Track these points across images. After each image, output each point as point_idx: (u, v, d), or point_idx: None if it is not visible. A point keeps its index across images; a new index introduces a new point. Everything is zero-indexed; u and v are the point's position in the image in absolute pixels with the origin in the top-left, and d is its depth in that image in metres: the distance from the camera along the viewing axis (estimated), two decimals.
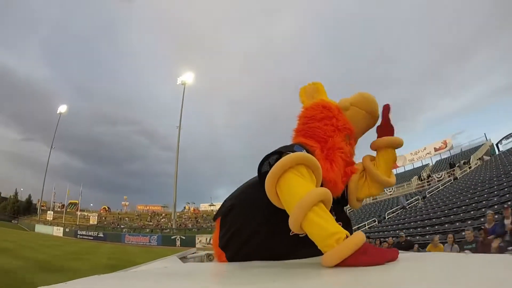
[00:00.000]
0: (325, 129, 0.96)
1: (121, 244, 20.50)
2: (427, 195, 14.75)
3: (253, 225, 0.89)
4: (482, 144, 19.93)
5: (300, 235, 0.73)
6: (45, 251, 9.59)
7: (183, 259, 1.15)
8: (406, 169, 26.31)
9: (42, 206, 45.86)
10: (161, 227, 33.83)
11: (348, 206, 1.11)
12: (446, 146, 23.82)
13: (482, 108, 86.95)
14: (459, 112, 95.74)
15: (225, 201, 1.03)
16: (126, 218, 41.27)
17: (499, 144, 17.07)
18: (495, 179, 9.85)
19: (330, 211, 0.76)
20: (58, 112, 41.58)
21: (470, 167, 16.29)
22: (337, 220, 0.81)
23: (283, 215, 0.73)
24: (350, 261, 0.60)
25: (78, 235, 26.90)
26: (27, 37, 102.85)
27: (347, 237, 0.64)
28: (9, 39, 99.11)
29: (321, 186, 0.83)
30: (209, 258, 1.37)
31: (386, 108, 1.06)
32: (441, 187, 15.18)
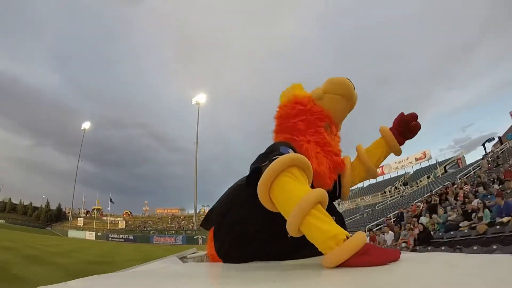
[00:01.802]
0: (301, 125, 0.99)
1: (152, 245, 26.09)
2: (377, 208, 19.97)
3: (251, 231, 0.89)
4: (452, 157, 25.74)
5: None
6: (130, 252, 15.40)
7: (183, 259, 1.19)
8: (391, 176, 32.46)
9: (68, 212, 52.40)
10: (183, 228, 40.10)
11: (339, 199, 1.13)
12: (425, 157, 29.68)
13: (491, 100, 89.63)
14: (467, 105, 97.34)
15: (212, 209, 1.07)
16: (150, 221, 47.73)
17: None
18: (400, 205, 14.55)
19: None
20: (82, 128, 47.30)
21: (418, 186, 21.20)
22: (331, 215, 0.91)
23: (279, 216, 0.73)
24: (351, 262, 0.61)
25: (110, 238, 32.79)
26: (35, 44, 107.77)
27: (347, 238, 0.64)
28: (17, 47, 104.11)
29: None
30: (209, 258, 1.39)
31: (414, 116, 1.15)
32: (389, 202, 20.40)
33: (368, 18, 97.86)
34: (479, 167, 12.42)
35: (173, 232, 36.03)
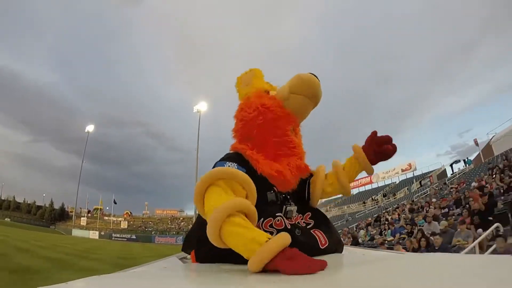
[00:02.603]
0: (265, 132, 1.00)
1: (155, 244, 28.98)
2: (356, 216, 23.11)
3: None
4: (433, 170, 28.52)
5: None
6: (143, 250, 18.77)
7: (183, 259, 1.23)
8: (379, 185, 35.64)
9: (70, 212, 55.35)
10: (183, 229, 42.98)
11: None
12: (410, 168, 32.76)
13: (490, 104, 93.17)
14: (466, 109, 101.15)
15: (189, 234, 1.13)
16: (150, 222, 50.73)
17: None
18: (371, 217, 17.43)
19: (298, 208, 0.96)
20: (86, 131, 50.17)
21: (395, 198, 24.30)
22: (311, 218, 1.01)
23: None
24: (276, 264, 0.60)
25: (113, 238, 35.72)
26: (36, 43, 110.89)
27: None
28: (17, 46, 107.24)
29: (268, 182, 0.93)
30: None
31: (377, 137, 1.08)
32: (367, 211, 23.58)
33: (368, 19, 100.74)
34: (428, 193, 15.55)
35: (174, 232, 39.00)
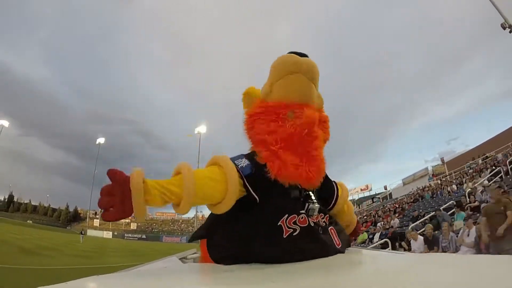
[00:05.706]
0: (261, 131, 1.02)
1: (164, 243, 36.27)
2: None
3: (241, 236, 0.93)
4: (381, 192, 39.41)
5: (293, 234, 0.89)
6: (160, 246, 26.99)
7: (183, 259, 1.27)
8: None
9: (80, 213, 65.09)
10: (184, 230, 53.14)
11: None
12: (367, 188, 43.87)
13: (477, 114, 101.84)
14: (454, 118, 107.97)
15: (200, 228, 1.17)
16: (154, 224, 61.09)
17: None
18: None
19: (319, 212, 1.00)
20: (97, 143, 58.82)
21: None
22: (329, 218, 1.07)
23: (268, 220, 0.90)
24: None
25: (125, 237, 44.95)
26: (28, 38, 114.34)
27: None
28: (10, 39, 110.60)
29: (290, 183, 0.96)
30: None
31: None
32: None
33: (359, 28, 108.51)
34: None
35: (178, 233, 49.28)
